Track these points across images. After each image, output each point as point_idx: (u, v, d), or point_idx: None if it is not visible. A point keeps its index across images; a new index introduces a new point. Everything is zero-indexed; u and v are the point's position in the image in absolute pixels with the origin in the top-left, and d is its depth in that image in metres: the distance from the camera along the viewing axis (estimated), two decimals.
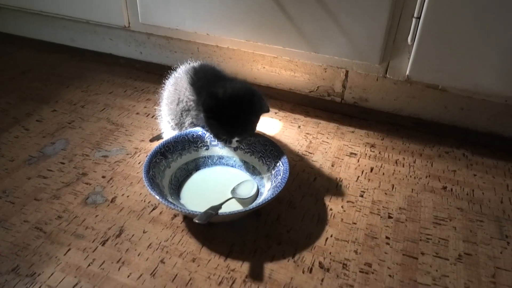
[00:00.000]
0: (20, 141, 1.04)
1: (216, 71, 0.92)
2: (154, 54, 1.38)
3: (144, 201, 0.86)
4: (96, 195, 0.88)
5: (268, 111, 0.84)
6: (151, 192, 0.75)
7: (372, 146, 1.04)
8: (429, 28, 0.88)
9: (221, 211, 0.73)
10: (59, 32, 1.48)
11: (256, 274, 0.71)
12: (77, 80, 1.33)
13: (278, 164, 0.84)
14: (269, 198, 0.74)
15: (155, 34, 1.30)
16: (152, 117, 1.15)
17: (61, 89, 1.28)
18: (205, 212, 0.71)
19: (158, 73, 1.32)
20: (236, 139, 0.86)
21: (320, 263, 0.73)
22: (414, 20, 0.91)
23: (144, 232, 0.79)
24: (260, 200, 0.80)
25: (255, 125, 0.86)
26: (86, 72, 1.39)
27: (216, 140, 0.91)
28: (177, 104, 0.90)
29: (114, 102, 1.22)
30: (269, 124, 1.12)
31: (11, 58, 1.46)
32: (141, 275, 0.70)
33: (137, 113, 1.17)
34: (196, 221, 0.68)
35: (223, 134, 0.85)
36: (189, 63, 0.94)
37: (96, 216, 0.82)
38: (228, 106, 0.80)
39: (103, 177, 0.93)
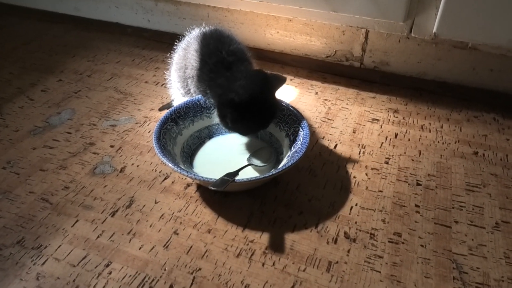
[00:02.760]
0: (25, 111, 1.00)
1: (223, 37, 0.83)
2: (162, 22, 1.31)
3: (155, 171, 0.81)
4: (104, 165, 0.83)
5: (285, 79, 0.78)
6: (163, 159, 0.69)
7: (395, 111, 0.98)
8: None
9: (238, 178, 0.68)
10: (62, 1, 1.41)
11: (276, 245, 0.66)
12: (83, 50, 1.28)
13: (297, 129, 0.78)
14: (290, 164, 0.68)
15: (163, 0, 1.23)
16: (162, 85, 1.09)
17: (66, 59, 1.23)
18: (221, 178, 0.65)
19: (167, 41, 1.25)
20: (271, 124, 0.79)
21: (345, 233, 0.68)
22: None
23: (155, 202, 0.74)
24: (279, 166, 0.74)
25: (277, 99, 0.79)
26: (91, 42, 1.33)
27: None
28: (184, 71, 0.84)
29: (121, 71, 1.16)
30: (285, 91, 1.06)
31: (13, 29, 1.40)
32: (153, 247, 0.66)
33: (146, 82, 1.11)
34: (212, 187, 0.63)
35: (256, 129, 0.79)
36: (202, 28, 0.87)
37: (105, 186, 0.78)
38: (249, 104, 0.72)
39: (112, 146, 0.88)
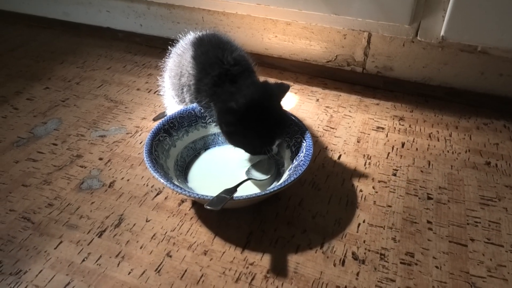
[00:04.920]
0: (8, 122, 0.94)
1: (222, 43, 0.78)
2: (155, 26, 1.25)
3: (147, 185, 0.76)
4: (92, 179, 0.77)
5: (288, 87, 0.73)
6: (154, 174, 0.64)
7: (401, 119, 0.93)
8: None
9: (236, 194, 0.62)
10: (51, 5, 1.35)
11: (279, 269, 0.60)
12: (72, 56, 1.22)
13: (299, 140, 0.73)
14: (293, 178, 0.63)
15: (156, 2, 1.18)
16: (155, 93, 1.04)
17: (54, 66, 1.17)
18: (218, 196, 0.60)
19: (160, 46, 1.20)
20: (277, 142, 0.71)
21: (353, 253, 0.62)
22: None
23: (147, 221, 0.68)
24: (280, 181, 0.69)
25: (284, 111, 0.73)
26: (81, 47, 1.27)
27: (255, 155, 0.77)
28: (179, 79, 0.79)
29: (112, 78, 1.11)
30: (284, 98, 1.00)
31: (0, 35, 1.35)
32: (144, 271, 0.60)
33: (138, 89, 1.06)
34: (208, 207, 0.57)
35: (261, 145, 0.70)
36: (197, 32, 0.82)
37: (92, 203, 0.72)
38: (251, 112, 0.67)
39: (100, 159, 0.82)
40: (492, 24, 0.79)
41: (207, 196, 0.61)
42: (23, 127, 0.92)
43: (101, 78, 1.11)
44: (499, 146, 0.84)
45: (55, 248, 0.64)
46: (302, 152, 0.70)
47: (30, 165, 0.81)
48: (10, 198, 0.73)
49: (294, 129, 0.75)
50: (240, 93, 0.68)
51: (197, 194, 0.62)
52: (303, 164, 0.66)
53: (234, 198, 0.60)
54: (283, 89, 0.72)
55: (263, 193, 0.61)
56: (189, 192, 0.62)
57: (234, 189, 0.63)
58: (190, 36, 0.81)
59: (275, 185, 0.66)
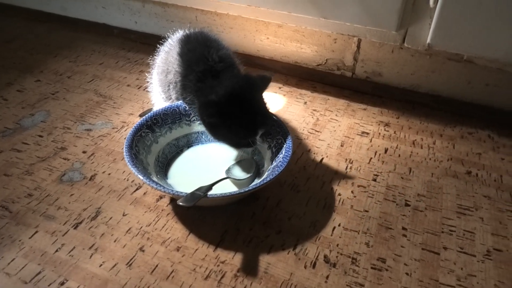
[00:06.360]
0: None
1: (209, 41, 0.79)
2: (149, 24, 1.26)
3: (127, 180, 0.76)
4: (73, 172, 0.78)
5: (270, 78, 0.73)
6: (131, 168, 0.64)
7: (386, 125, 0.93)
8: None
9: (212, 192, 0.62)
10: (49, 0, 1.36)
11: (250, 268, 0.60)
12: (67, 50, 1.23)
13: (280, 142, 0.73)
14: (267, 180, 0.63)
15: (150, 1, 1.18)
16: (144, 89, 1.04)
17: (47, 59, 1.18)
18: (192, 193, 0.60)
19: (153, 44, 1.19)
20: (260, 133, 0.70)
21: (325, 256, 0.63)
22: None
23: (123, 215, 0.69)
24: (257, 181, 0.69)
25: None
26: (76, 42, 1.28)
27: (238, 150, 0.77)
28: (166, 75, 0.79)
29: (104, 73, 1.11)
30: (272, 99, 1.01)
31: None
32: (115, 264, 0.61)
33: (128, 85, 1.06)
34: (180, 203, 0.57)
35: (245, 136, 0.69)
36: (185, 30, 0.82)
37: (71, 195, 0.73)
38: (232, 103, 0.67)
39: (84, 152, 0.83)
40: (478, 33, 0.79)
41: (181, 192, 0.61)
42: (10, 118, 0.93)
43: (92, 73, 1.11)
44: (482, 156, 0.84)
45: (30, 238, 0.64)
46: (281, 153, 0.70)
47: (14, 155, 0.82)
48: None
49: (276, 130, 0.75)
50: (221, 86, 0.68)
51: (172, 190, 0.62)
52: (281, 165, 0.66)
53: (208, 196, 0.61)
54: (265, 81, 0.72)
55: (237, 192, 0.62)
56: (164, 187, 0.62)
57: (210, 187, 0.63)
58: (178, 34, 0.81)
59: (254, 184, 0.67)
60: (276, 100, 1.01)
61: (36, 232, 0.65)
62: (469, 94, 0.96)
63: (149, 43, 1.26)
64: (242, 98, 0.68)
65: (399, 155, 0.84)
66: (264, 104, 0.72)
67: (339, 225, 0.68)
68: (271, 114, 0.74)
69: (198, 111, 0.72)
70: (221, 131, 0.71)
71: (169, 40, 0.83)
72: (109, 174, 0.77)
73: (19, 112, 0.95)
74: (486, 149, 0.86)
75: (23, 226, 0.66)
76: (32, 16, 1.41)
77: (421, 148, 0.86)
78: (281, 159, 0.68)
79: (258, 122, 0.69)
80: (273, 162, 0.71)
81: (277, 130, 0.75)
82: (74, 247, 0.63)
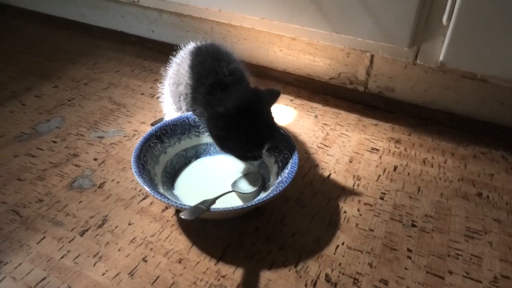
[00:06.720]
0: (14, 117, 0.97)
1: (220, 54, 0.79)
2: (166, 33, 1.28)
3: (135, 189, 0.77)
4: (84, 178, 0.79)
5: (279, 93, 0.73)
6: (138, 178, 0.65)
7: (397, 141, 0.92)
8: (468, 5, 0.75)
9: (216, 206, 0.63)
10: (70, 7, 1.40)
11: (250, 284, 0.60)
12: (84, 57, 1.26)
13: (287, 157, 0.73)
14: (270, 196, 0.63)
15: (167, 11, 1.20)
16: (158, 98, 1.05)
17: (66, 65, 1.21)
18: (195, 206, 0.61)
19: (169, 53, 1.22)
20: (267, 146, 0.70)
21: (326, 275, 0.62)
22: None
23: (129, 224, 0.70)
24: (260, 196, 0.69)
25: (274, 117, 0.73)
26: (95, 49, 1.31)
27: (245, 163, 0.78)
28: (177, 87, 0.81)
29: (119, 81, 1.14)
30: (283, 112, 1.01)
31: (19, 33, 1.40)
32: (118, 273, 0.61)
33: (142, 94, 1.08)
34: (182, 216, 0.58)
35: (251, 149, 0.69)
36: (198, 42, 0.83)
37: (80, 202, 0.74)
38: (240, 116, 0.67)
39: (95, 159, 0.85)
40: (491, 53, 0.78)
41: (184, 205, 0.62)
42: (27, 123, 0.95)
43: (108, 81, 1.14)
44: (494, 177, 0.82)
45: (37, 243, 0.66)
46: (287, 169, 0.70)
47: (28, 160, 0.84)
48: (4, 191, 0.76)
49: (283, 144, 0.76)
50: (230, 98, 0.69)
51: (175, 202, 0.63)
52: (285, 181, 0.66)
53: (211, 209, 0.61)
54: (274, 95, 0.72)
55: (239, 207, 0.62)
56: (167, 199, 0.63)
57: (213, 200, 0.64)
58: (190, 46, 0.83)
59: (257, 199, 0.67)
60: (287, 112, 1.01)
61: (44, 237, 0.67)
62: (483, 112, 0.94)
63: (165, 52, 1.27)
64: (250, 111, 0.68)
65: (409, 173, 0.83)
66: (272, 118, 0.72)
67: (342, 244, 0.67)
68: (278, 128, 0.74)
69: (207, 123, 0.73)
70: (229, 143, 0.72)
71: (181, 52, 0.85)
72: (117, 182, 0.79)
73: (35, 117, 0.97)
74: (499, 170, 0.84)
75: (32, 231, 0.68)
76: (54, 22, 1.45)
77: (432, 166, 0.85)
78: (286, 175, 0.68)
79: (265, 135, 0.70)
80: (279, 177, 0.71)
81: (284, 144, 0.75)
82: (79, 254, 0.64)
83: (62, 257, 0.64)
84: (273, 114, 0.73)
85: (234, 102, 0.68)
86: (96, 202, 0.74)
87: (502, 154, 0.88)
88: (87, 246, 0.66)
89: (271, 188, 0.70)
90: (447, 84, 0.94)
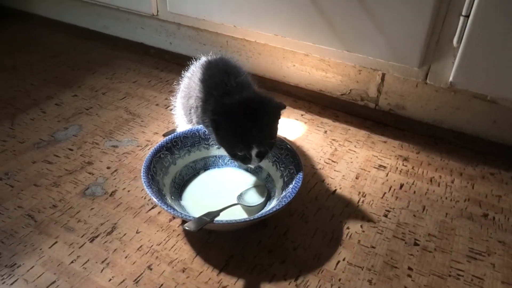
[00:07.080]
0: (35, 124, 1.02)
1: (229, 67, 0.82)
2: (183, 46, 1.32)
3: (144, 198, 0.80)
4: (96, 186, 0.83)
5: (284, 106, 0.74)
6: (146, 189, 0.68)
7: (405, 159, 0.92)
8: (479, 28, 0.76)
9: (220, 217, 0.65)
10: (93, 18, 1.46)
11: None
12: (104, 67, 1.31)
13: (292, 172, 0.75)
14: (274, 209, 0.65)
15: (184, 25, 1.24)
16: (171, 109, 1.09)
17: (86, 75, 1.26)
18: (199, 218, 0.63)
19: (186, 65, 1.26)
20: (255, 150, 0.71)
21: None
22: (462, 18, 0.78)
23: (137, 232, 0.72)
24: (264, 210, 0.71)
25: (275, 130, 0.74)
26: (114, 59, 1.35)
27: (234, 161, 0.78)
28: (188, 100, 0.83)
29: (135, 92, 1.17)
30: (293, 126, 1.03)
31: (44, 41, 1.46)
32: (123, 280, 0.64)
33: (157, 104, 1.12)
34: (186, 227, 0.60)
35: (240, 147, 0.71)
36: (208, 56, 0.86)
37: (92, 209, 0.77)
38: (238, 110, 0.70)
39: (108, 168, 0.88)
40: (502, 75, 0.78)
41: (190, 216, 0.64)
42: (46, 130, 0.99)
43: (125, 91, 1.18)
44: (501, 199, 0.82)
45: (49, 247, 0.69)
46: (292, 184, 0.72)
47: (45, 166, 0.88)
48: (20, 196, 0.80)
49: (289, 159, 0.77)
50: (238, 95, 0.72)
51: (181, 213, 0.65)
52: (289, 196, 0.68)
53: (214, 221, 0.63)
54: (279, 106, 0.73)
55: (242, 220, 0.64)
56: (173, 210, 0.65)
57: (217, 212, 0.66)
58: (200, 60, 0.86)
59: (260, 213, 0.69)
60: (297, 127, 1.03)
61: (56, 242, 0.70)
62: (494, 133, 0.94)
63: (182, 64, 1.30)
64: (250, 110, 0.70)
65: (414, 192, 0.83)
66: (272, 126, 0.73)
67: (343, 259, 0.68)
68: (275, 139, 0.74)
69: (209, 108, 0.74)
70: (220, 132, 0.73)
71: (192, 66, 0.88)
72: (128, 191, 0.82)
73: (54, 125, 1.02)
74: (507, 191, 0.84)
75: (44, 236, 0.71)
76: (78, 33, 1.51)
77: (438, 186, 0.85)
78: (290, 190, 0.70)
79: (256, 137, 0.70)
80: (283, 192, 0.73)
81: (290, 159, 0.77)
82: (88, 260, 0.67)
83: (72, 262, 0.67)
84: (277, 126, 0.74)
85: (241, 97, 0.71)
86: (107, 210, 0.77)
87: (511, 176, 0.88)
88: (96, 252, 0.68)
89: (274, 203, 0.71)
90: (458, 104, 0.94)
